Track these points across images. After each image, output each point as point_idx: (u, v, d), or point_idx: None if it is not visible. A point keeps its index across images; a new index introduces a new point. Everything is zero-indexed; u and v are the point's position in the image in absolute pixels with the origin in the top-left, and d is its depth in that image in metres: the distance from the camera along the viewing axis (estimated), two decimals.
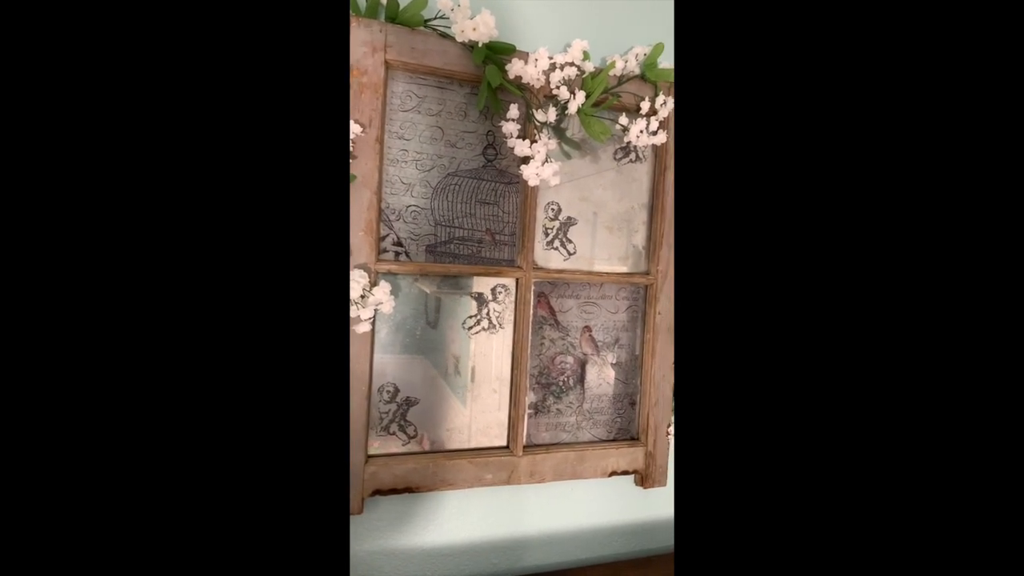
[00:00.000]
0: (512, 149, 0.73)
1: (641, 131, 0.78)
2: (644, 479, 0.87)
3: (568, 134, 0.82)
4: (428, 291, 0.76)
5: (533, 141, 0.73)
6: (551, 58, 0.73)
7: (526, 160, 0.73)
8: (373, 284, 0.69)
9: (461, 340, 0.79)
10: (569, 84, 0.75)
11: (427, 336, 0.76)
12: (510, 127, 0.72)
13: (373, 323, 0.71)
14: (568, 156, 0.83)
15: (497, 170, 0.78)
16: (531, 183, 0.72)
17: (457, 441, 0.79)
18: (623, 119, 0.78)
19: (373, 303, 0.67)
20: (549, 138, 0.74)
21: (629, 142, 0.80)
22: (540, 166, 0.72)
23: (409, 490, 0.74)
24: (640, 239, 0.87)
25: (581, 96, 0.73)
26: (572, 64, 0.73)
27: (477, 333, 0.79)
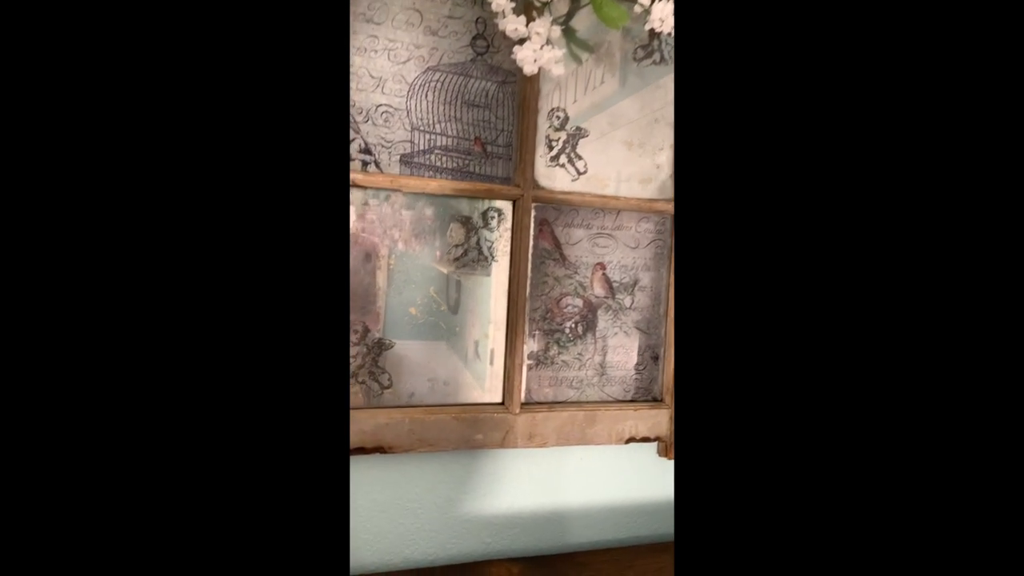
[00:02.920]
0: (504, 32, 0.59)
1: (667, 16, 0.63)
2: (669, 448, 0.73)
3: (578, 34, 0.68)
4: (446, 271, 0.64)
5: (531, 19, 0.59)
6: None
7: (522, 42, 0.59)
8: None
9: (481, 324, 0.66)
10: None
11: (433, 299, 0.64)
12: (502, 2, 0.58)
13: None
14: (578, 60, 0.69)
15: (488, 66, 0.64)
16: (527, 69, 0.58)
17: (466, 394, 0.66)
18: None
19: None
20: (553, 24, 0.60)
21: (652, 30, 0.65)
22: (539, 49, 0.57)
23: (381, 450, 0.62)
24: (665, 158, 0.72)
25: None
26: None
27: (464, 266, 0.65)
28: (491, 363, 0.66)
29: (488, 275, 0.66)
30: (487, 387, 0.67)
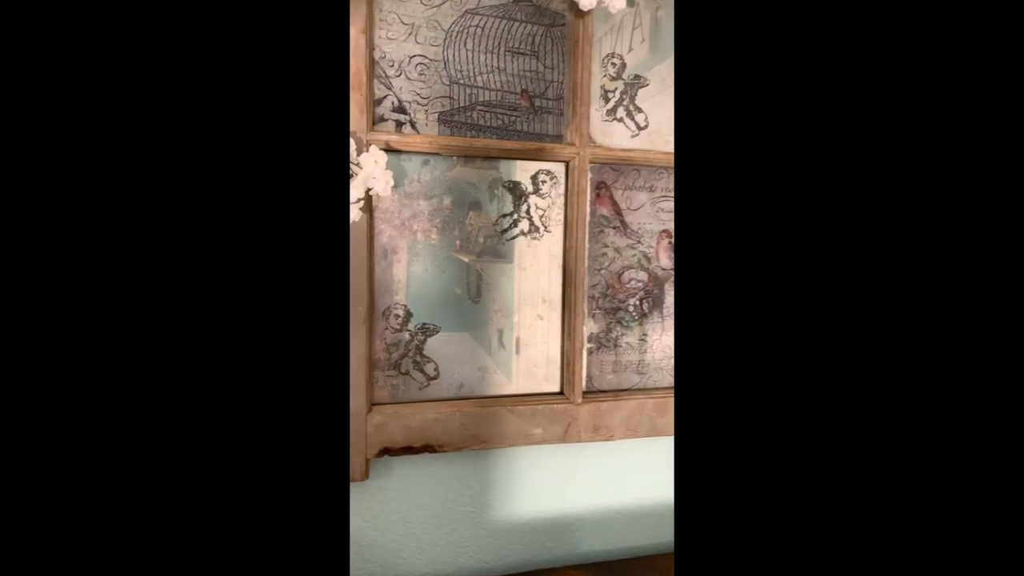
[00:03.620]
0: None
1: None
2: None
3: None
4: (467, 260, 0.56)
5: None
6: None
7: None
8: (359, 153, 0.49)
9: (505, 313, 0.58)
10: None
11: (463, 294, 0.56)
12: None
13: (370, 213, 0.51)
14: (632, 1, 0.60)
15: (534, 7, 0.56)
16: (584, 3, 0.50)
17: (497, 384, 0.59)
18: None
19: (363, 179, 0.47)
20: None
21: None
22: None
23: (430, 448, 0.55)
24: None
25: None
26: None
27: (514, 238, 0.58)
28: (516, 352, 0.59)
29: (511, 263, 0.58)
30: (513, 377, 0.59)
